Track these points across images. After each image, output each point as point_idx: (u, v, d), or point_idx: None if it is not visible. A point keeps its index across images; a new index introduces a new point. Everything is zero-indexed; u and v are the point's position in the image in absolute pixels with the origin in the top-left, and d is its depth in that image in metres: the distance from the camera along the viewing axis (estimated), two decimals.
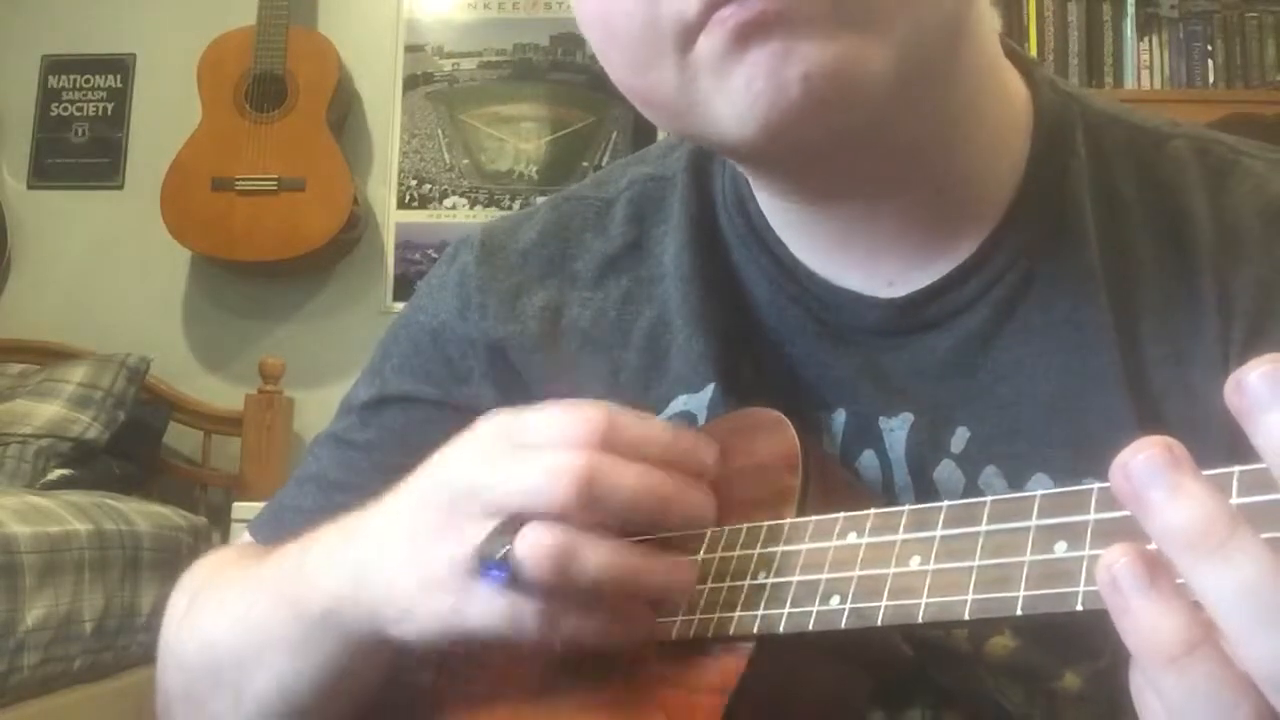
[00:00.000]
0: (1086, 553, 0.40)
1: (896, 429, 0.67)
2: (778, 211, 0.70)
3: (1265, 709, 0.35)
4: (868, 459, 0.67)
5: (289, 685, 0.65)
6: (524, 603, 0.53)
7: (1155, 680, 0.37)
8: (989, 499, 0.45)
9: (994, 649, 0.63)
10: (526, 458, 0.54)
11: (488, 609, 0.54)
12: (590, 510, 0.52)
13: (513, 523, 0.52)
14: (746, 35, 0.54)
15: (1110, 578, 0.37)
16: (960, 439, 0.66)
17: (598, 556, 0.52)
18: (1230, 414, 0.62)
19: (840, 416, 0.68)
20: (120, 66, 3.44)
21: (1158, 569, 0.36)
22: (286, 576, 0.65)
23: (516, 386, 0.76)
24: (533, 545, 0.51)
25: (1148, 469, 0.36)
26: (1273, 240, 0.64)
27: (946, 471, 0.66)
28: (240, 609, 0.68)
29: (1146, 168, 0.68)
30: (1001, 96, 0.67)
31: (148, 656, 2.38)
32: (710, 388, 0.69)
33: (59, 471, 2.72)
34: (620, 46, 0.60)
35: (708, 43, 0.55)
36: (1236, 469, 0.37)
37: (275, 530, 0.81)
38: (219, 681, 0.69)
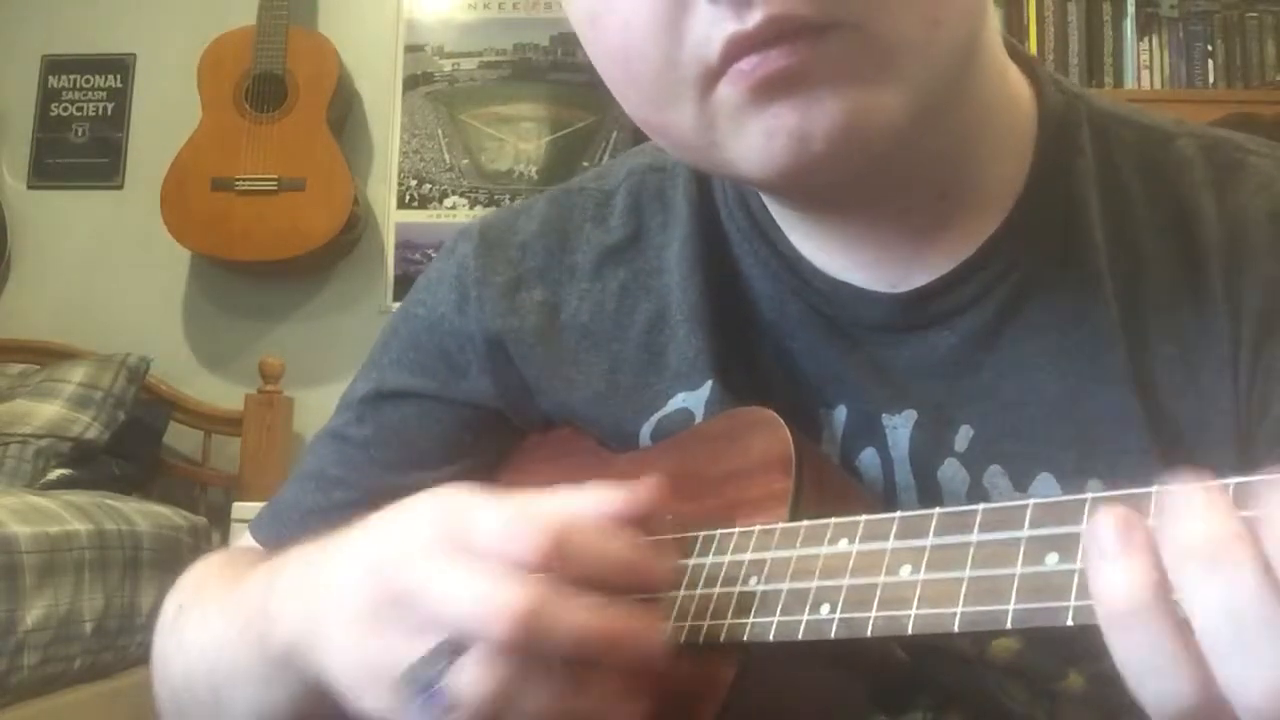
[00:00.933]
0: (1079, 566, 0.40)
1: (899, 426, 0.67)
2: (780, 212, 0.70)
3: (1217, 701, 0.36)
4: (868, 456, 0.67)
5: (262, 713, 0.64)
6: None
7: (1107, 640, 0.38)
8: (981, 507, 0.45)
9: (998, 651, 0.63)
10: (467, 574, 0.49)
11: None
12: (528, 649, 0.48)
13: (447, 649, 0.49)
14: (768, 89, 0.54)
15: (1092, 530, 0.38)
16: (964, 437, 0.66)
17: (535, 700, 0.49)
18: (1237, 410, 0.62)
19: (841, 413, 0.68)
20: (120, 66, 3.44)
21: (1136, 529, 0.37)
22: (255, 605, 0.63)
23: (514, 380, 0.76)
24: (467, 682, 0.48)
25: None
26: None
27: (950, 470, 0.66)
28: (218, 630, 0.67)
29: (1153, 166, 0.68)
30: (1007, 98, 0.67)
31: (148, 656, 2.35)
32: (709, 385, 0.69)
33: (59, 471, 2.72)
34: (638, 84, 0.59)
35: (728, 90, 0.55)
36: (1232, 481, 0.37)
37: (275, 530, 0.81)
38: (200, 704, 0.68)
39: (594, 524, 0.52)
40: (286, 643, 0.59)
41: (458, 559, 0.50)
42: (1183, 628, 0.36)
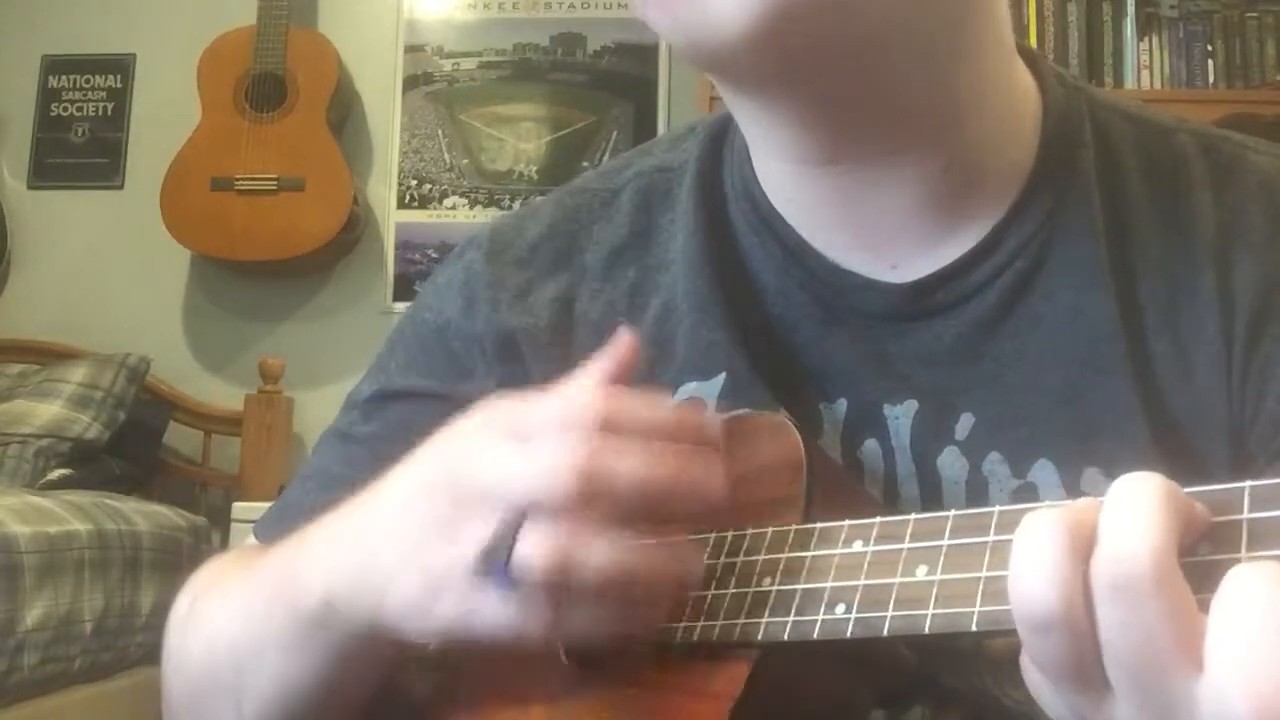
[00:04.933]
0: None
1: (901, 416, 0.67)
2: (782, 182, 0.70)
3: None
4: (870, 447, 0.68)
5: (288, 685, 0.64)
6: (529, 605, 0.51)
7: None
8: (996, 509, 0.45)
9: (995, 642, 0.63)
10: (526, 449, 0.52)
11: (493, 613, 0.52)
12: (593, 503, 0.50)
13: (515, 521, 0.51)
14: None
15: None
16: (965, 425, 0.66)
17: (599, 556, 0.50)
18: (1230, 406, 0.63)
19: (841, 406, 0.68)
20: (120, 66, 3.44)
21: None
22: (283, 574, 0.64)
23: (521, 381, 0.75)
24: (533, 549, 0.50)
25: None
26: (1277, 237, 0.65)
27: (950, 458, 0.66)
28: (240, 609, 0.67)
29: (1152, 161, 0.68)
30: (1012, 86, 0.68)
31: (148, 656, 2.39)
32: (721, 377, 0.70)
33: (59, 471, 2.72)
34: None
35: None
36: (1248, 484, 0.37)
37: (279, 529, 0.81)
38: (220, 684, 0.68)
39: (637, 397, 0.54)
40: (323, 597, 0.60)
41: (513, 442, 0.52)
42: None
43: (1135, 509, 0.38)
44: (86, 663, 2.23)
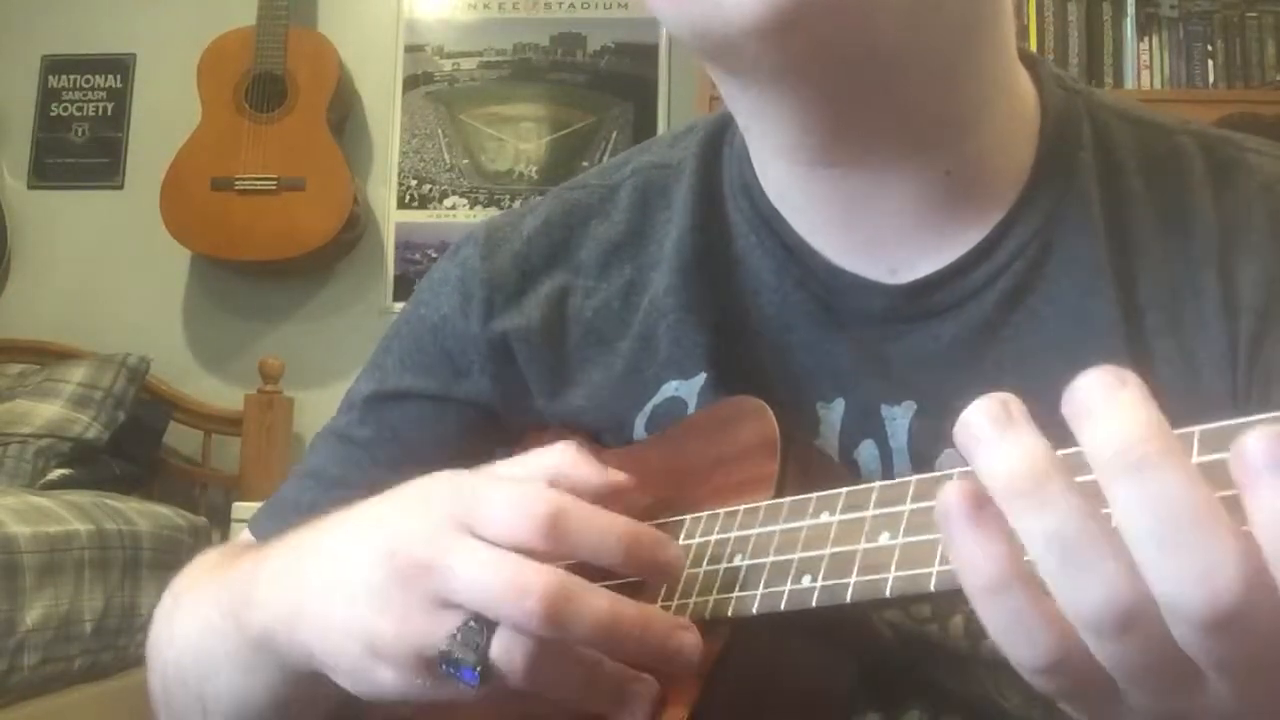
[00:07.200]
0: None
1: (899, 417, 0.67)
2: (783, 183, 0.70)
3: (1078, 648, 0.38)
4: (867, 449, 0.68)
5: (242, 700, 0.64)
6: (496, 690, 0.51)
7: (976, 610, 0.39)
8: (955, 471, 0.45)
9: (992, 643, 0.63)
10: (490, 556, 0.50)
11: (457, 691, 0.51)
12: (555, 630, 0.49)
13: (480, 624, 0.50)
14: None
15: (943, 509, 0.39)
16: None
17: (570, 667, 0.51)
18: (1235, 405, 0.63)
19: (839, 406, 0.68)
20: (120, 66, 3.45)
21: (985, 506, 0.38)
22: (238, 591, 0.63)
23: (515, 380, 0.76)
24: (508, 654, 0.50)
25: (978, 419, 0.39)
26: (1278, 236, 0.64)
27: (949, 460, 0.66)
28: (204, 617, 0.67)
29: (1153, 162, 0.68)
30: (1015, 94, 0.68)
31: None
32: (701, 376, 0.70)
33: (59, 471, 2.72)
34: None
35: None
36: (1198, 429, 0.38)
37: (274, 527, 0.81)
38: (188, 689, 0.68)
39: (594, 494, 0.53)
40: (264, 626, 0.59)
41: (465, 536, 0.51)
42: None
43: (1109, 406, 0.39)
44: (86, 663, 2.24)
